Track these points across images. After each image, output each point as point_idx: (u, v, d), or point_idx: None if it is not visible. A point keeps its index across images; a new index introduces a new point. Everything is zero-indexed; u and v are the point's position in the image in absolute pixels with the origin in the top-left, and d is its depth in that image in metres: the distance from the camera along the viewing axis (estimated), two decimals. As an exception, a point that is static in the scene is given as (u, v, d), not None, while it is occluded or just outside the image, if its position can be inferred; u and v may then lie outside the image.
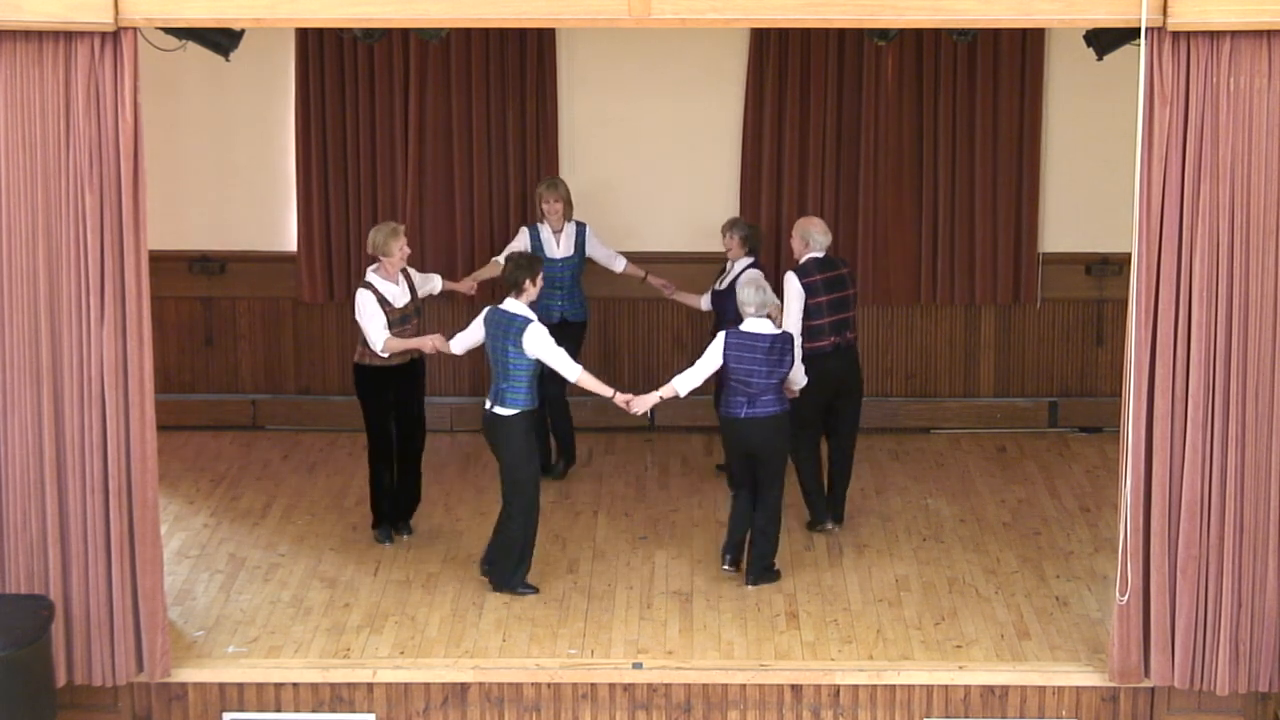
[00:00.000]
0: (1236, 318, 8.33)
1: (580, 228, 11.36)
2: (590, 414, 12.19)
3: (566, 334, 10.85)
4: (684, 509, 11.01)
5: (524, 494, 9.67)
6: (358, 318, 10.20)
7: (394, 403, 10.33)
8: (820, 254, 10.44)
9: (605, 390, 9.61)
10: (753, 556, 9.86)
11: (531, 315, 9.51)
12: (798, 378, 10.03)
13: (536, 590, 9.74)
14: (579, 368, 9.60)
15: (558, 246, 11.24)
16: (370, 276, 10.20)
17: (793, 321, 10.16)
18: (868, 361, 12.26)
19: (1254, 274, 8.30)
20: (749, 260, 10.85)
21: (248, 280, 12.47)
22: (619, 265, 11.54)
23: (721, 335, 9.70)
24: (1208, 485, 8.47)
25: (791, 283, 10.29)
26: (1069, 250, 12.34)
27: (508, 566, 9.72)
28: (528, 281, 9.53)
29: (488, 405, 9.65)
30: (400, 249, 10.13)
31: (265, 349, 12.59)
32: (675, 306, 12.07)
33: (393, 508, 10.45)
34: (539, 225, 11.30)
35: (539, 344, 9.43)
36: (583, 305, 11.47)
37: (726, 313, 10.58)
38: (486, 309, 9.74)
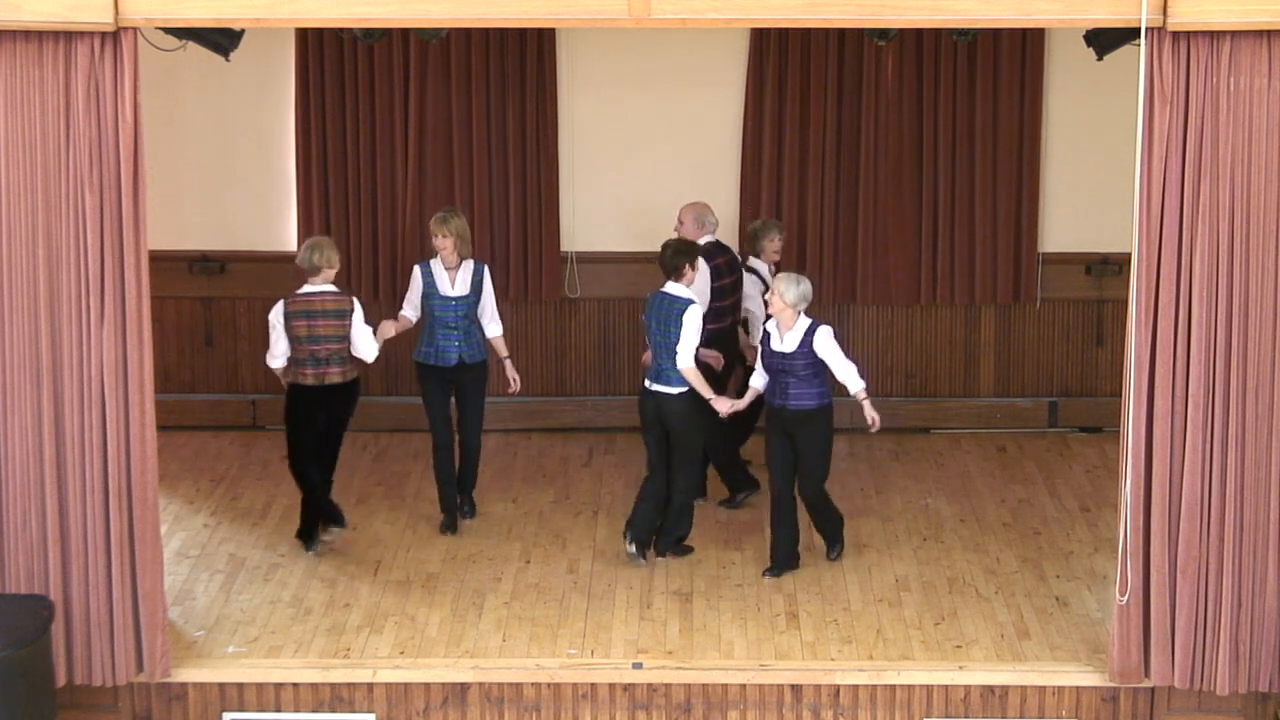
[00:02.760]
0: (1236, 318, 8.33)
1: (479, 267, 10.52)
2: (590, 414, 12.19)
3: (467, 376, 10.50)
4: (684, 509, 11.01)
5: (694, 465, 10.20)
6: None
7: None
8: (714, 237, 10.86)
9: (706, 391, 10.00)
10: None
11: (694, 298, 9.94)
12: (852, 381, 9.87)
13: (692, 549, 10.27)
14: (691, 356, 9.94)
15: (451, 286, 10.47)
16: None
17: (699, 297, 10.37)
18: (868, 361, 12.26)
19: (1254, 274, 8.30)
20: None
21: (248, 280, 12.46)
22: (493, 331, 10.61)
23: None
24: (1208, 485, 8.47)
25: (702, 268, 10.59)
26: (1069, 250, 12.34)
27: (677, 531, 10.20)
28: (687, 266, 9.94)
29: (649, 384, 10.04)
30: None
31: (265, 349, 12.54)
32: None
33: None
34: (430, 262, 10.52)
35: (690, 323, 9.86)
36: (480, 346, 10.56)
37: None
38: (651, 293, 10.10)
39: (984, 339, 12.52)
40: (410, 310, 10.58)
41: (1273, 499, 8.49)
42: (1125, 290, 8.45)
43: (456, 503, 10.70)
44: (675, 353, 9.88)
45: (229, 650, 9.13)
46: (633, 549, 10.07)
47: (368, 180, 12.21)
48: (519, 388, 10.69)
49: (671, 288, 9.98)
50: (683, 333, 9.84)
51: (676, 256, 9.99)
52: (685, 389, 9.94)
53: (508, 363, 10.63)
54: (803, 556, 10.21)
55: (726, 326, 10.86)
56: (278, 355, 10.21)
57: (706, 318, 10.18)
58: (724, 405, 10.00)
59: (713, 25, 8.36)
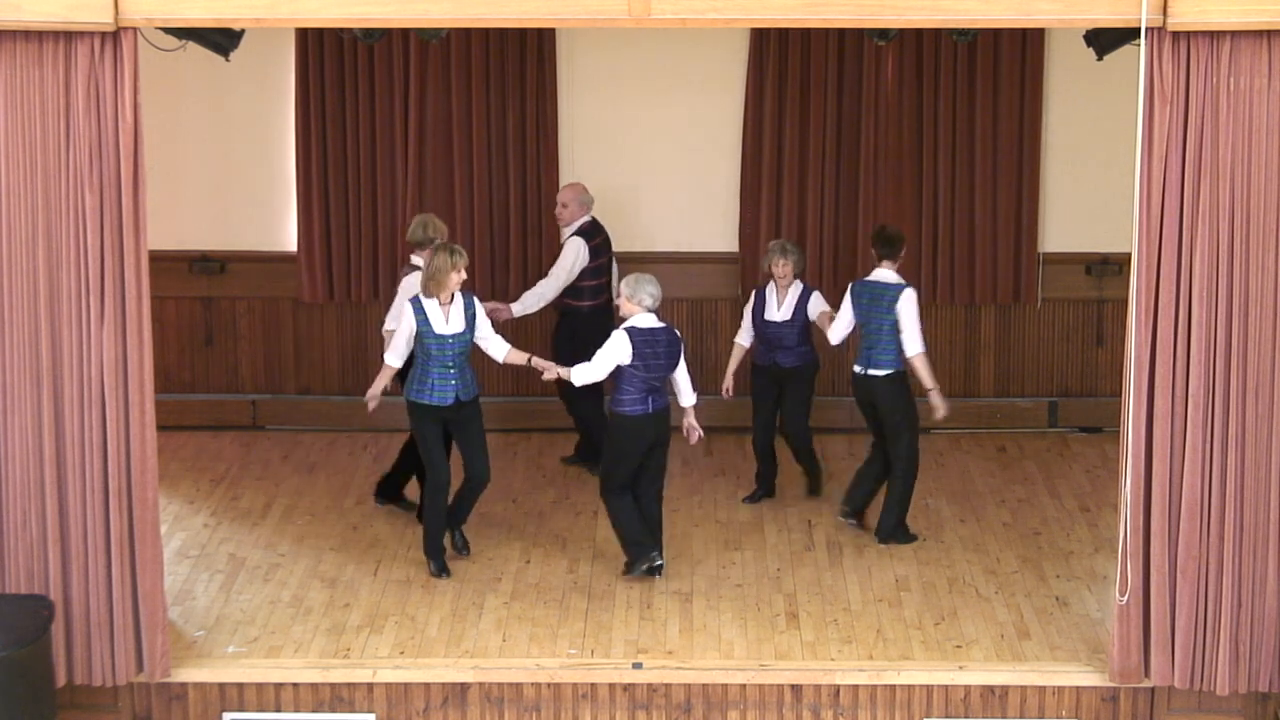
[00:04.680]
0: (1236, 318, 8.33)
1: (470, 299, 9.86)
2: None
3: (465, 413, 9.91)
4: (684, 509, 11.01)
5: (909, 446, 10.40)
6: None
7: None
8: (590, 216, 11.32)
9: (930, 380, 10.43)
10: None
11: (905, 282, 10.22)
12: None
13: (917, 537, 10.45)
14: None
15: (446, 322, 9.75)
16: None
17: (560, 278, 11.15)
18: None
19: (1254, 274, 8.30)
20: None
21: (248, 280, 12.47)
22: (503, 349, 10.04)
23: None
24: (1208, 485, 8.47)
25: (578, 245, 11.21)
26: (1069, 250, 12.34)
27: (892, 520, 10.38)
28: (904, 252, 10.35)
29: (860, 370, 10.31)
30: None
31: (265, 349, 12.59)
32: (675, 306, 12.09)
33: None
34: (419, 298, 9.76)
35: (910, 309, 10.19)
36: (473, 381, 9.97)
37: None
38: (851, 284, 10.42)
39: (984, 339, 12.52)
40: (397, 358, 9.86)
41: (1273, 499, 8.49)
42: (1125, 290, 8.45)
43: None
44: (884, 338, 10.15)
45: (229, 650, 9.13)
46: (847, 510, 10.55)
47: (368, 180, 12.21)
48: (555, 373, 9.97)
49: (881, 274, 10.23)
50: (905, 320, 10.14)
51: (897, 241, 10.28)
52: (892, 371, 10.22)
53: (534, 360, 10.02)
54: (803, 558, 10.22)
55: (602, 304, 11.34)
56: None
57: (583, 295, 11.05)
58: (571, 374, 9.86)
59: (713, 25, 8.36)
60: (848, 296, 10.42)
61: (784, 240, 10.93)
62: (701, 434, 10.09)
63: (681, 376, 9.94)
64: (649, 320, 9.72)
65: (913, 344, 10.24)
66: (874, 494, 10.58)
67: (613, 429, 9.87)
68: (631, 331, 9.68)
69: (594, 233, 11.36)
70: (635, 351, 9.65)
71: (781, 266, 10.69)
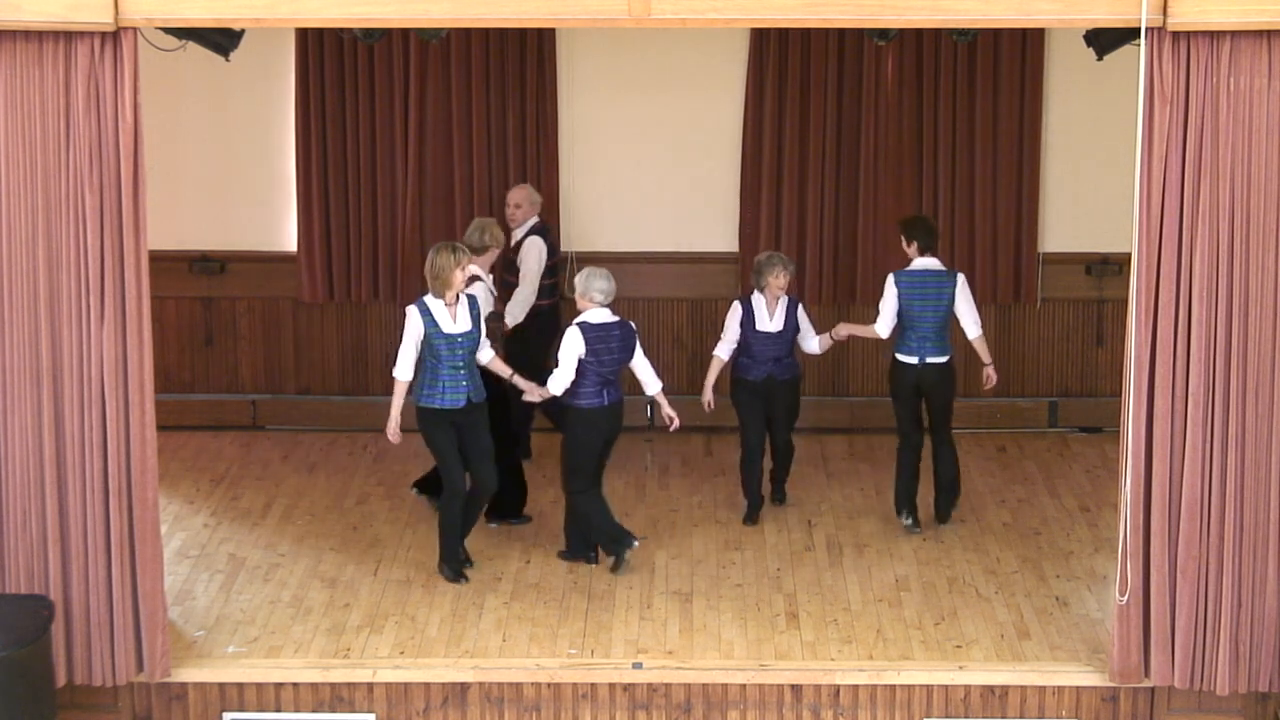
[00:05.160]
0: (1236, 318, 8.33)
1: (472, 299, 9.78)
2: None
3: (477, 415, 9.80)
4: (684, 509, 11.01)
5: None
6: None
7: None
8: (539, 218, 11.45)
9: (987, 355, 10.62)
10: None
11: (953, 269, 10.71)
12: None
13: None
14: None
15: (454, 321, 9.66)
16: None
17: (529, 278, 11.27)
18: (869, 361, 12.27)
19: (1254, 274, 8.30)
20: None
21: (248, 280, 12.47)
22: (486, 357, 9.95)
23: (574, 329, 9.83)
24: (1208, 485, 8.47)
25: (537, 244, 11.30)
26: (1069, 250, 12.35)
27: (955, 497, 10.70)
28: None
29: (917, 361, 10.38)
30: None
31: (265, 349, 12.59)
32: (676, 306, 12.10)
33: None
34: (425, 300, 9.64)
35: (967, 292, 10.39)
36: (481, 382, 9.88)
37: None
38: (899, 272, 10.38)
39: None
40: (407, 370, 9.70)
41: (1273, 499, 8.49)
42: (1125, 290, 8.45)
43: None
44: (941, 326, 10.30)
45: (229, 650, 9.13)
46: (911, 519, 10.55)
47: (368, 180, 12.21)
48: (537, 394, 9.88)
49: (928, 262, 10.30)
50: (964, 303, 10.32)
51: (935, 231, 10.41)
52: (951, 357, 10.40)
53: (516, 378, 9.97)
54: (803, 558, 10.22)
55: (553, 304, 11.49)
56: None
57: (541, 294, 11.18)
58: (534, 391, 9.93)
59: (713, 25, 8.36)
60: (891, 287, 10.36)
61: (775, 253, 10.70)
62: (677, 419, 10.04)
63: (641, 366, 10.00)
64: (601, 315, 9.79)
65: (973, 326, 10.43)
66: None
67: (571, 423, 9.92)
68: (583, 326, 9.75)
69: (546, 231, 11.45)
70: (588, 346, 9.71)
71: (783, 279, 10.46)
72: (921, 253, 10.34)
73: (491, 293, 10.39)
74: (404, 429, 9.78)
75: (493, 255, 10.53)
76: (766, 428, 10.74)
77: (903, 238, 10.43)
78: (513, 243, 11.38)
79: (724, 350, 10.63)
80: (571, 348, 9.74)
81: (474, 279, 10.08)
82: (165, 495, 10.61)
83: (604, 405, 9.84)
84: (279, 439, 12.35)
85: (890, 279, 10.39)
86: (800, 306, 10.68)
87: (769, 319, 10.54)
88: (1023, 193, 12.18)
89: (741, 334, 10.54)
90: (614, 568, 9.97)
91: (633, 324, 10.02)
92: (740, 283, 12.21)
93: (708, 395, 10.62)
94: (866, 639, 9.23)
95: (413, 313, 9.66)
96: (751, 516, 10.73)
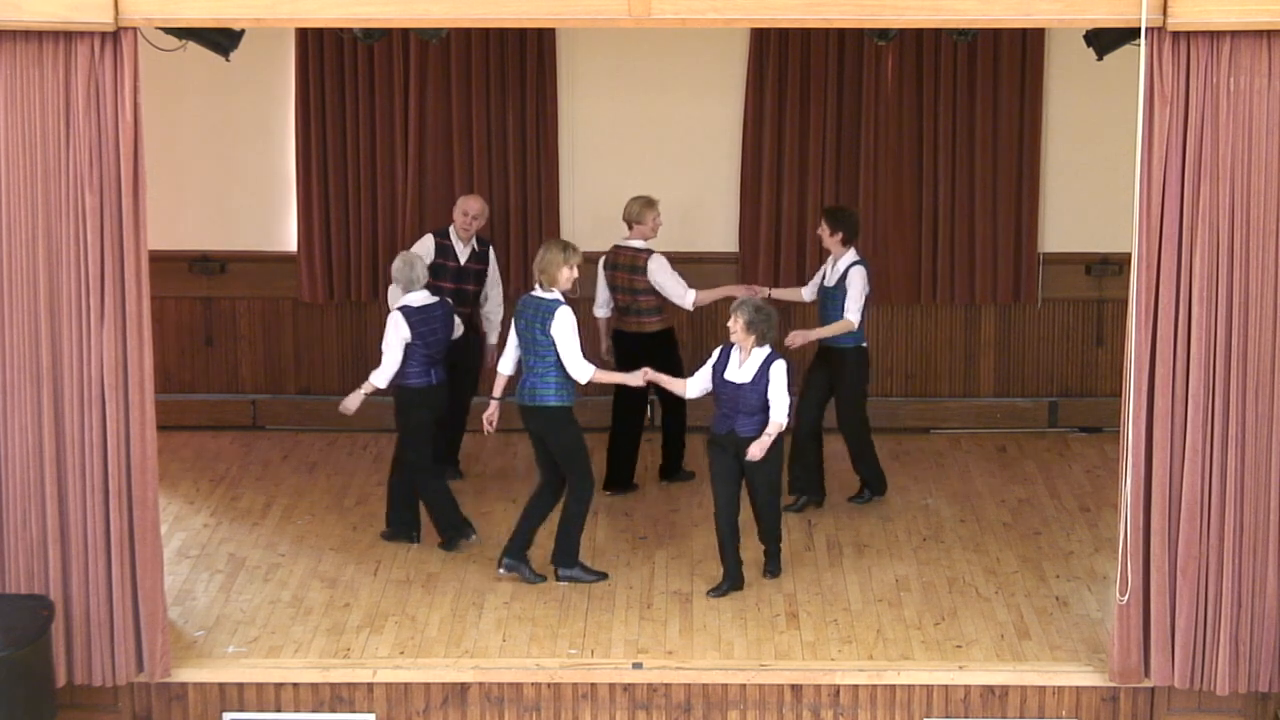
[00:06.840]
0: (1236, 318, 8.33)
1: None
2: (590, 414, 12.16)
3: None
4: (684, 509, 11.01)
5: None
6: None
7: None
8: None
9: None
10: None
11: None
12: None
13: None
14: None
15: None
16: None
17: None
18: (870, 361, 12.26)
19: (1254, 274, 8.30)
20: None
21: (248, 280, 12.47)
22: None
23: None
24: (1208, 485, 8.47)
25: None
26: (1069, 250, 12.35)
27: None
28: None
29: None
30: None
31: (265, 349, 12.59)
32: (676, 306, 12.08)
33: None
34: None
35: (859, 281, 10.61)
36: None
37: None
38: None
39: (984, 339, 12.52)
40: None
41: (1273, 499, 8.49)
42: (1125, 290, 8.45)
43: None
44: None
45: (229, 650, 9.13)
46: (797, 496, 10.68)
47: (368, 180, 12.21)
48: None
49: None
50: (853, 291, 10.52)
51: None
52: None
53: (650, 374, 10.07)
54: (803, 558, 10.22)
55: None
56: (600, 304, 11.14)
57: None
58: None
59: (713, 25, 8.36)
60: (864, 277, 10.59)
61: (748, 298, 9.64)
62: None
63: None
64: (421, 297, 10.12)
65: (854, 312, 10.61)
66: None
67: (402, 403, 10.21)
68: (406, 310, 10.06)
69: (487, 240, 11.49)
70: (413, 329, 10.02)
71: (735, 323, 9.46)
72: (845, 244, 10.65)
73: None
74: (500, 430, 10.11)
75: (643, 230, 10.93)
76: (739, 491, 9.73)
77: (829, 228, 10.67)
78: (466, 254, 11.16)
79: (692, 391, 9.89)
80: (396, 331, 10.07)
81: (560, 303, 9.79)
82: (165, 495, 10.61)
83: (432, 385, 10.22)
84: (279, 439, 12.35)
85: (862, 269, 10.58)
86: (782, 370, 9.48)
87: (738, 367, 9.57)
88: (1023, 193, 12.18)
89: (712, 379, 9.70)
90: (446, 546, 10.32)
91: (450, 301, 10.43)
92: (741, 282, 12.20)
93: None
94: (866, 639, 9.23)
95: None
96: (719, 589, 9.68)
